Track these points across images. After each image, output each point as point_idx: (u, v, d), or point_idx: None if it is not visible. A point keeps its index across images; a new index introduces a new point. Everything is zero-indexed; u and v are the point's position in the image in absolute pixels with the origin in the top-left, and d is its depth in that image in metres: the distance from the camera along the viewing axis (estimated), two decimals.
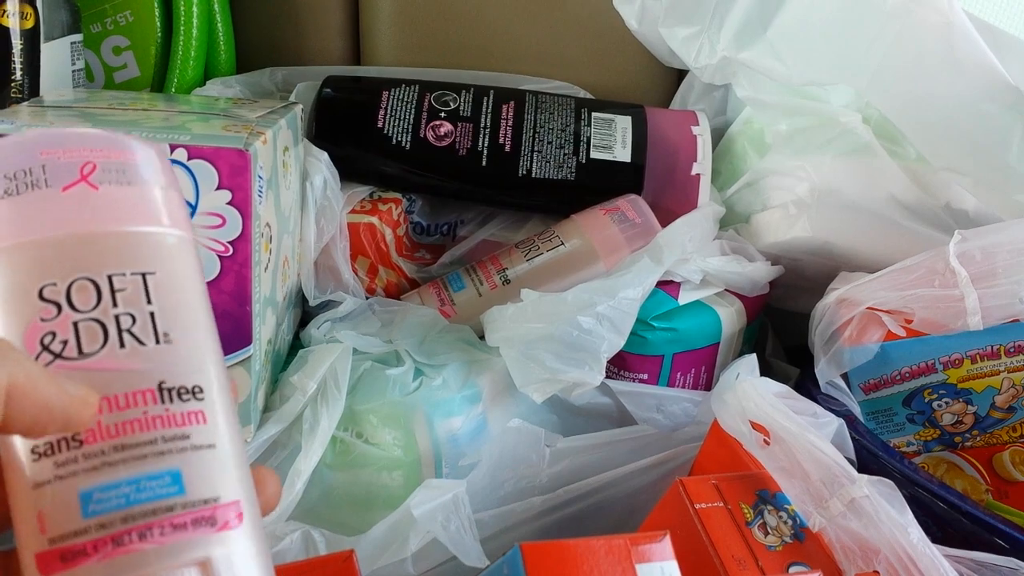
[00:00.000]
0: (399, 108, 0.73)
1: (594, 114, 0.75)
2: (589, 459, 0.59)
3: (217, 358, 0.30)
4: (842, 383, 0.62)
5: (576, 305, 0.60)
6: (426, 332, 0.65)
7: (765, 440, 0.51)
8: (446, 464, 0.59)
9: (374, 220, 0.71)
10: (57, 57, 0.73)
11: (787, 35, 0.66)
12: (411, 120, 0.73)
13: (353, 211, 0.71)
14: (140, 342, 0.28)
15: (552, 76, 0.84)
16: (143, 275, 0.28)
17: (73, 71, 0.76)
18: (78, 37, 0.76)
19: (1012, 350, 0.60)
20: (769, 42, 0.67)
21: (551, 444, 0.60)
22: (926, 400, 0.63)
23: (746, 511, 0.48)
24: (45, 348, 0.27)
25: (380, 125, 0.73)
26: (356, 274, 0.71)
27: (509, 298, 0.64)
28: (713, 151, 0.77)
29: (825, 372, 0.62)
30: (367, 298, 0.71)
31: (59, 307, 0.27)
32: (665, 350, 0.67)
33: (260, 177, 0.52)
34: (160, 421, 0.27)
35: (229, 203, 0.51)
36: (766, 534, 0.47)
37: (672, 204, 0.73)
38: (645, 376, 0.68)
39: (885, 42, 0.61)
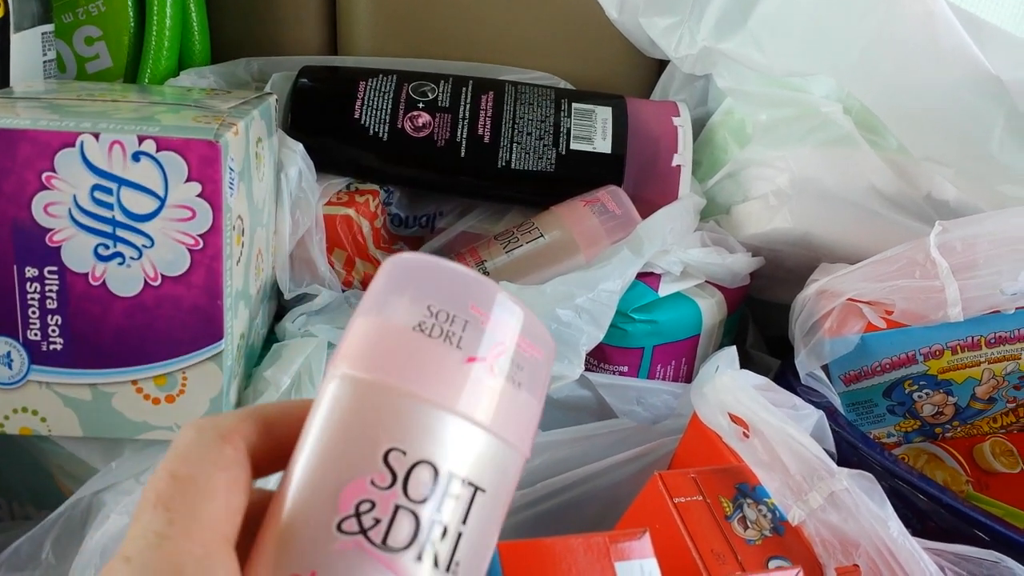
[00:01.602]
0: (376, 98, 0.72)
1: (574, 105, 0.75)
2: (568, 453, 0.59)
3: None
4: (822, 374, 0.62)
5: (555, 297, 0.60)
6: None
7: (744, 433, 0.51)
8: None
9: (351, 212, 0.70)
10: (27, 48, 0.72)
11: (768, 25, 0.66)
12: (388, 111, 0.72)
13: (329, 203, 0.71)
14: (436, 562, 0.24)
15: (532, 66, 0.83)
16: (476, 489, 0.25)
17: (44, 62, 0.74)
18: (49, 27, 0.75)
19: (993, 341, 0.60)
20: (750, 32, 0.67)
21: None
22: (906, 391, 0.63)
23: (725, 505, 0.48)
24: (357, 515, 0.24)
25: (357, 116, 0.72)
26: (332, 267, 0.70)
27: None
28: (694, 142, 0.76)
29: (805, 363, 0.61)
30: (343, 291, 0.70)
31: (394, 480, 0.24)
32: (645, 342, 0.66)
33: (231, 169, 0.51)
34: None
35: (199, 195, 0.50)
36: (745, 528, 0.47)
37: (653, 195, 0.73)
38: (625, 368, 0.67)
39: (866, 32, 0.61)
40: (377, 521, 0.24)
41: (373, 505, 0.24)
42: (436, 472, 0.25)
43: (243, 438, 0.26)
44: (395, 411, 0.25)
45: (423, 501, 0.24)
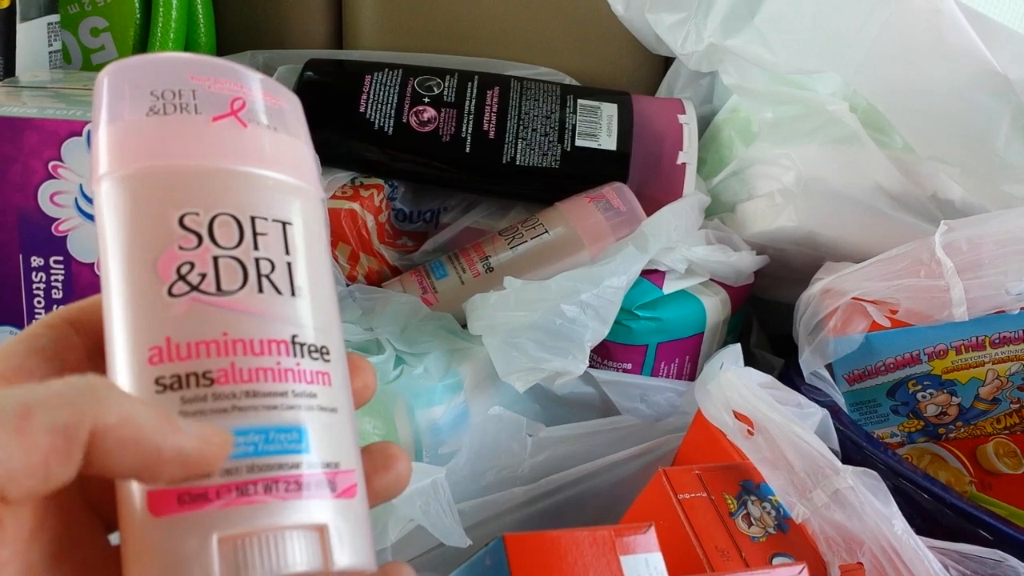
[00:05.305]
0: (382, 92, 0.72)
1: (580, 101, 0.74)
2: (572, 449, 0.59)
3: (338, 326, 0.29)
4: (826, 374, 0.62)
5: (560, 293, 0.60)
6: (407, 320, 0.64)
7: (749, 430, 0.51)
8: (426, 453, 0.58)
9: (355, 206, 0.70)
10: (33, 38, 0.72)
11: (774, 22, 0.66)
12: (394, 105, 0.72)
13: (334, 197, 0.70)
14: (277, 290, 0.26)
15: (538, 62, 0.83)
16: (283, 224, 0.27)
17: (50, 52, 0.75)
18: (55, 18, 0.75)
19: (997, 341, 0.60)
20: (756, 29, 0.67)
21: (533, 433, 0.59)
22: (910, 391, 0.63)
23: (729, 502, 0.48)
24: (182, 278, 0.25)
25: (362, 110, 0.72)
26: (337, 261, 0.70)
27: (492, 286, 0.64)
28: (699, 139, 0.76)
29: (809, 362, 0.61)
30: (348, 285, 0.70)
31: (200, 238, 0.26)
32: (649, 339, 0.66)
33: None
34: (292, 375, 0.26)
35: None
36: (750, 525, 0.47)
37: (657, 193, 0.73)
38: (629, 365, 0.67)
39: (873, 30, 0.61)
40: (203, 275, 0.26)
41: (192, 264, 0.26)
42: (236, 219, 0.26)
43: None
44: (170, 184, 0.26)
45: (237, 245, 0.26)
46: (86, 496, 0.27)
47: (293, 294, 0.27)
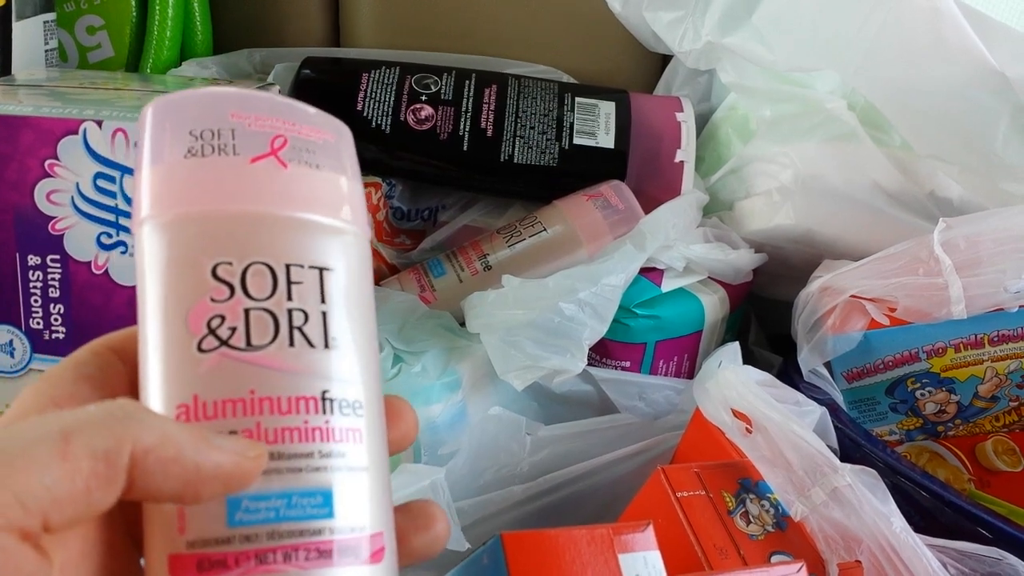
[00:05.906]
0: (379, 90, 0.72)
1: (577, 99, 0.74)
2: (570, 447, 0.59)
3: (377, 373, 0.28)
4: (825, 372, 0.62)
5: (558, 291, 0.60)
6: (405, 318, 0.64)
7: (747, 428, 0.51)
8: (425, 452, 0.58)
9: None
10: (29, 36, 0.72)
11: (772, 20, 0.66)
12: (391, 103, 0.72)
13: None
14: (309, 343, 0.26)
15: (535, 60, 0.83)
16: (320, 270, 0.26)
17: (46, 50, 0.74)
18: (51, 16, 0.75)
19: (996, 339, 0.60)
20: (754, 27, 0.66)
21: (532, 432, 0.59)
22: (909, 389, 0.63)
23: (728, 500, 0.48)
24: (212, 332, 0.25)
25: (359, 108, 0.72)
26: None
27: (490, 284, 0.64)
28: (697, 137, 0.76)
29: (808, 360, 0.61)
30: None
31: (232, 290, 0.25)
32: (648, 338, 0.66)
33: None
34: (320, 434, 0.25)
35: None
36: (748, 523, 0.47)
37: (655, 191, 0.73)
38: (627, 364, 0.67)
39: (871, 28, 0.61)
40: (233, 329, 0.25)
41: (223, 318, 0.25)
42: (270, 268, 0.26)
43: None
44: (204, 232, 0.26)
45: (270, 296, 0.25)
46: (129, 531, 0.27)
47: (327, 346, 0.26)
